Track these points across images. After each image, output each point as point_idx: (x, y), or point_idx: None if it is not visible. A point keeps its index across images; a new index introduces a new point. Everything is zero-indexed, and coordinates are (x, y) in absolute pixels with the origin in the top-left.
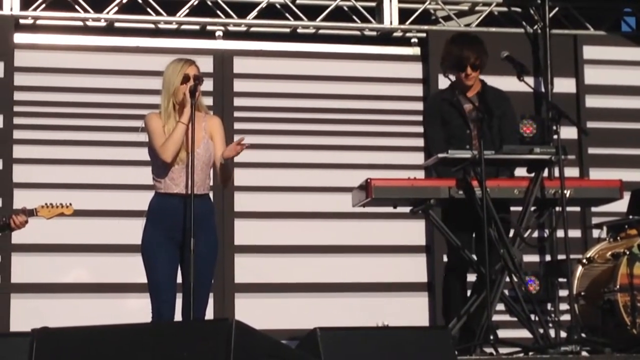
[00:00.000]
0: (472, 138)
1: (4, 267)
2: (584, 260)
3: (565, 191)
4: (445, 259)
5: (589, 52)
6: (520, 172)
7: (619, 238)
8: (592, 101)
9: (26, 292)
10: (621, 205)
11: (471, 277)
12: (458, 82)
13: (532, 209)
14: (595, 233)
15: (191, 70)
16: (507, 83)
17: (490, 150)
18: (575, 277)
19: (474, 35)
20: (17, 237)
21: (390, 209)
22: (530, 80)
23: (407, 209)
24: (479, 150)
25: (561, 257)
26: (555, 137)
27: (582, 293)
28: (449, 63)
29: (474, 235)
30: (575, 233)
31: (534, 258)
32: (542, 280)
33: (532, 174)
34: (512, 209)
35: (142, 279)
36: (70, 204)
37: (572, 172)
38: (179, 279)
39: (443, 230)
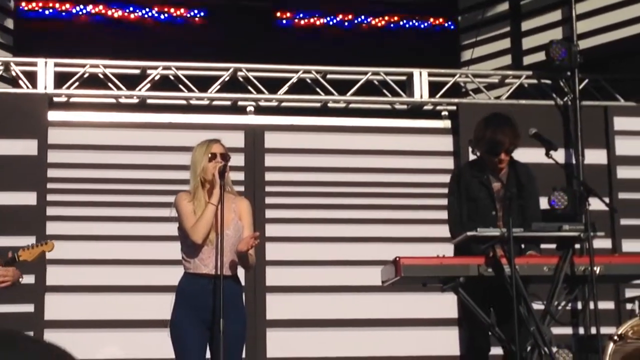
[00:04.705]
0: (498, 219)
1: None
2: (616, 337)
3: (595, 268)
4: None
5: (620, 123)
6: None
7: None
8: (623, 172)
9: None
10: None
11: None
12: (488, 160)
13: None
14: (629, 305)
15: (217, 149)
16: (537, 155)
17: (518, 228)
18: (607, 354)
19: (507, 117)
20: (49, 313)
21: None
22: (560, 152)
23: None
24: (507, 228)
25: (594, 330)
26: (588, 207)
27: None
28: (481, 146)
29: (491, 310)
30: (608, 305)
31: (567, 330)
32: (575, 354)
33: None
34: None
35: (172, 354)
36: (49, 240)
37: (604, 243)
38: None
39: (473, 308)
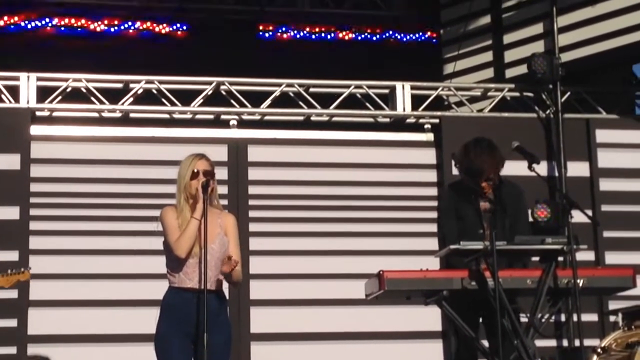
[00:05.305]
0: (485, 238)
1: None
2: (599, 350)
3: (578, 281)
4: None
5: (602, 135)
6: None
7: (633, 327)
8: (605, 184)
9: None
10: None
11: None
12: (473, 184)
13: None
14: (613, 317)
15: (200, 165)
16: (520, 168)
17: (501, 241)
18: None
19: (489, 142)
20: (32, 328)
21: None
22: (543, 164)
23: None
24: (490, 240)
25: (578, 342)
26: (571, 220)
27: None
28: (465, 171)
29: (480, 320)
30: (592, 317)
31: (551, 343)
32: None
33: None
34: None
35: None
36: (29, 269)
37: (587, 255)
38: None
39: (457, 322)
